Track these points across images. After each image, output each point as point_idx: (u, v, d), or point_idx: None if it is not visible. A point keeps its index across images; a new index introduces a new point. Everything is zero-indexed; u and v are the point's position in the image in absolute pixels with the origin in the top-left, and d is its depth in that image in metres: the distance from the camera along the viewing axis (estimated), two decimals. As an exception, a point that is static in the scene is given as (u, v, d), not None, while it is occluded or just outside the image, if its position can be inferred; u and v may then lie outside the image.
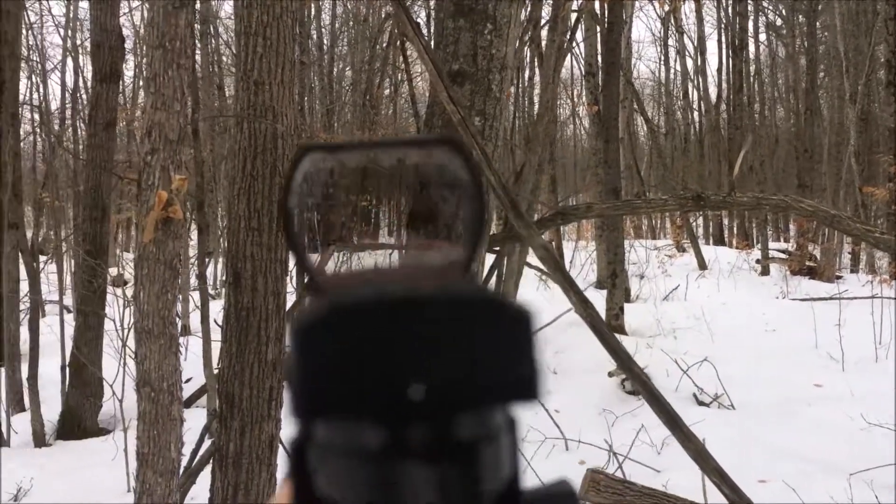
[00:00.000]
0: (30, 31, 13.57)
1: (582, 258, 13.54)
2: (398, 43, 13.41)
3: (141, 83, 17.67)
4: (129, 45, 12.32)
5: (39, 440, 6.69)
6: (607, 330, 2.25)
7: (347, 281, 0.29)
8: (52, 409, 6.98)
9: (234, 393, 3.34)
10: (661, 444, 5.17)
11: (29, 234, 11.23)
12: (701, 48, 22.20)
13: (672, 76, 24.47)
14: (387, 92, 16.67)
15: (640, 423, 5.33)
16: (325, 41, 17.26)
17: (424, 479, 0.26)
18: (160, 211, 1.98)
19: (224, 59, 16.14)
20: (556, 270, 2.13)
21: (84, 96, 15.85)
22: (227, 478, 3.35)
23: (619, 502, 3.58)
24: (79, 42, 15.78)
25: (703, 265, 13.78)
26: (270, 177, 3.19)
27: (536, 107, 11.90)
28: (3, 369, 7.50)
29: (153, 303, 2.10)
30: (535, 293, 10.22)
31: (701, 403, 6.23)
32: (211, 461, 3.45)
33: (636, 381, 1.85)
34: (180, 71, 1.87)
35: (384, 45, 14.59)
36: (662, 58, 24.78)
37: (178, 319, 2.23)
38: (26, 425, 6.66)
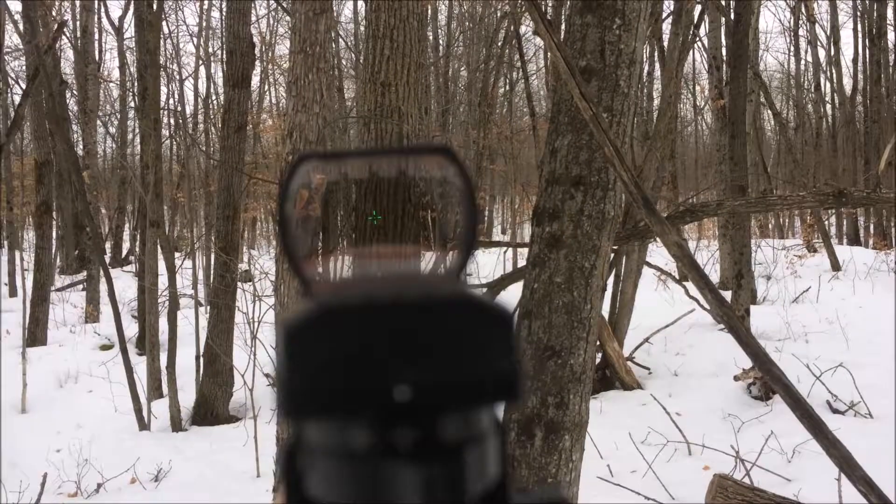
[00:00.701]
0: (167, 41, 14.43)
1: (702, 258, 13.10)
2: (514, 42, 13.40)
3: (266, 88, 18.44)
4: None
5: (176, 425, 7.11)
6: (745, 330, 2.18)
7: (339, 286, 0.29)
8: (187, 396, 7.40)
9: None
10: (791, 451, 4.94)
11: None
12: (835, 37, 20.96)
13: (803, 68, 23.25)
14: (501, 91, 16.70)
15: (769, 429, 5.11)
16: (442, 42, 17.47)
17: (410, 479, 0.26)
18: (301, 209, 2.07)
19: (343, 62, 16.63)
20: (692, 268, 2.08)
21: (215, 101, 16.73)
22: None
23: (747, 510, 3.45)
24: (210, 50, 16.65)
25: (836, 266, 13.03)
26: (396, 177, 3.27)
27: (656, 102, 11.61)
28: (144, 358, 8.02)
29: (293, 296, 2.20)
30: (654, 293, 9.97)
31: (835, 411, 5.90)
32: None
33: (776, 384, 1.78)
34: (320, 74, 1.96)
35: (499, 44, 14.61)
36: (792, 48, 23.57)
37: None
38: (165, 411, 7.09)
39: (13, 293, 13.82)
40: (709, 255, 13.19)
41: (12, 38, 15.84)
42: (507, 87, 16.65)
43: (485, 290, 4.27)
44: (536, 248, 2.71)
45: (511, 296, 6.34)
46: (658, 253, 12.38)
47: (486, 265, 13.11)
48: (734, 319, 1.96)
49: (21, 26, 10.94)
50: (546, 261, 2.66)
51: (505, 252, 13.31)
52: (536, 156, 13.04)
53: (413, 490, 0.26)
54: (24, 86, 15.44)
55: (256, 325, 7.45)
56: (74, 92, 14.99)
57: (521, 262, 13.08)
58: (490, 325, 0.28)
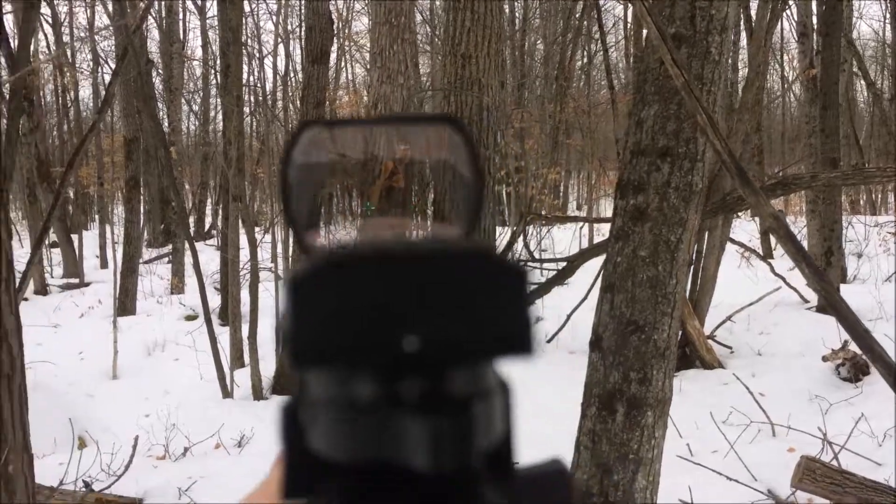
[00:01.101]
0: (248, 19, 14.70)
1: (789, 235, 12.60)
2: (593, 13, 13.11)
3: (343, 64, 18.61)
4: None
5: (258, 393, 7.32)
6: (845, 305, 2.08)
7: (347, 247, 0.29)
8: (268, 366, 7.60)
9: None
10: (882, 435, 4.74)
11: (247, 206, 12.16)
12: (936, 1, 19.74)
13: (899, 35, 22.00)
14: (579, 64, 16.40)
15: (859, 412, 4.92)
16: (518, 15, 17.25)
17: (416, 431, 0.26)
18: (385, 180, 2.09)
19: (417, 36, 16.61)
20: (788, 241, 2.00)
21: (293, 79, 16.98)
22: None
23: (836, 493, 3.33)
24: (290, 28, 16.88)
25: (932, 244, 12.38)
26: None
27: (741, 73, 11.19)
28: (227, 328, 8.27)
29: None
30: (736, 271, 9.69)
31: (931, 396, 5.64)
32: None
33: (877, 362, 1.70)
34: (405, 45, 1.95)
35: (577, 16, 14.32)
36: (888, 15, 22.33)
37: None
38: (246, 380, 7.30)
39: (104, 265, 14.46)
40: (796, 232, 12.73)
41: (102, 19, 16.43)
42: (585, 60, 16.34)
43: (563, 265, 4.22)
44: (620, 221, 2.65)
45: (586, 275, 6.24)
46: (741, 229, 12.01)
47: (562, 241, 12.97)
48: (833, 294, 1.87)
49: (110, 7, 11.32)
50: (630, 234, 2.61)
51: (581, 228, 13.14)
52: (615, 130, 12.79)
53: (419, 443, 0.26)
54: (113, 65, 16.01)
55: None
56: (160, 71, 15.45)
57: (598, 238, 12.88)
58: (503, 279, 0.27)
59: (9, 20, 11.35)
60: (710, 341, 7.07)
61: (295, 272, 0.26)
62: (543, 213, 10.22)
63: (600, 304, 2.75)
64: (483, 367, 0.27)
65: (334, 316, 0.25)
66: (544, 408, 6.97)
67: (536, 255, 10.08)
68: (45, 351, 7.41)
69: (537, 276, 10.21)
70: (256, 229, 12.15)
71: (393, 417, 0.26)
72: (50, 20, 16.38)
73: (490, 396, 0.27)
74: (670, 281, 2.60)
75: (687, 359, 6.86)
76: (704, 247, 7.09)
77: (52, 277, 13.61)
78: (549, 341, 9.14)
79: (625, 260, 2.63)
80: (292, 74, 16.60)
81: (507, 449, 0.28)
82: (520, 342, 0.27)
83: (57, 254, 14.60)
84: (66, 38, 16.89)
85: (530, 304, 0.27)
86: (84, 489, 4.63)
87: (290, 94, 17.29)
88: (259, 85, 15.09)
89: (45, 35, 16.81)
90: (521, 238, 8.11)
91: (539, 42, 17.18)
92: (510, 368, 0.29)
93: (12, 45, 8.56)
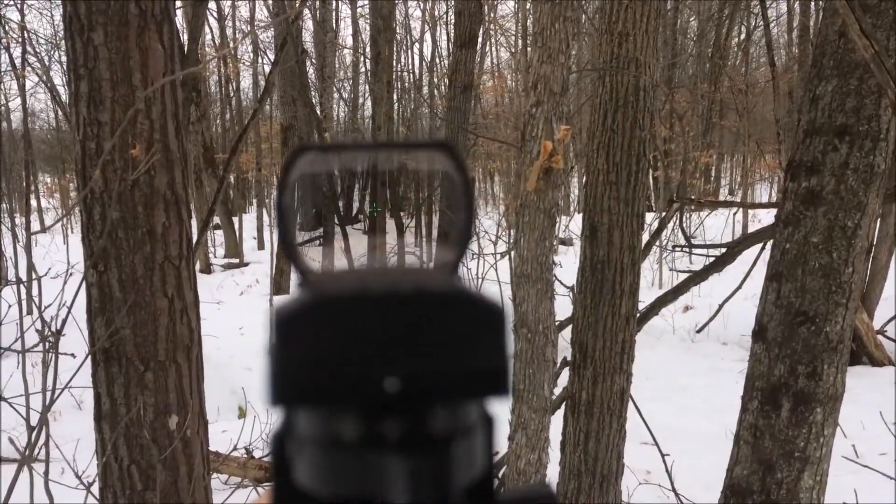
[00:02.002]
0: (396, 7, 15.00)
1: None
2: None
3: (487, 48, 18.64)
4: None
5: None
6: None
7: (335, 277, 0.29)
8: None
9: (588, 343, 3.42)
10: None
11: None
12: None
13: None
14: (735, 41, 15.58)
15: None
16: (669, -8, 16.58)
17: (398, 470, 0.26)
18: (544, 160, 2.07)
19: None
20: None
21: (439, 64, 17.20)
22: (579, 424, 3.46)
23: None
24: (436, 14, 17.08)
25: None
26: (630, 130, 3.16)
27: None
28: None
29: (532, 249, 2.21)
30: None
31: None
32: (563, 406, 3.58)
33: None
34: (566, 24, 1.92)
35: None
36: None
37: (554, 266, 2.33)
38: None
39: (261, 246, 15.32)
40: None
41: (262, 12, 17.30)
42: (743, 36, 15.49)
43: (722, 251, 4.04)
44: (790, 204, 2.49)
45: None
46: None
47: (713, 227, 12.43)
48: None
49: (270, 1, 11.88)
50: (801, 219, 2.45)
51: (735, 214, 12.52)
52: (774, 110, 12.06)
53: (399, 480, 0.26)
54: (271, 56, 16.83)
55: (480, 281, 7.65)
56: (313, 60, 16.10)
57: (753, 225, 12.22)
58: (481, 320, 0.27)
59: (178, 16, 12.19)
60: (879, 336, 6.56)
61: (280, 310, 0.27)
62: (693, 197, 9.83)
63: (765, 292, 2.61)
64: (465, 405, 0.28)
65: (317, 357, 0.26)
66: (697, 400, 6.73)
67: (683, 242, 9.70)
68: (209, 325, 7.94)
69: (688, 264, 9.84)
70: (401, 213, 12.45)
71: (375, 456, 0.26)
72: (215, 14, 17.45)
73: (471, 433, 0.28)
74: (846, 269, 2.42)
75: (853, 354, 6.40)
76: (876, 234, 6.57)
77: (215, 257, 14.57)
78: (699, 331, 8.81)
79: (794, 246, 2.47)
80: (438, 60, 16.81)
81: (488, 483, 0.29)
82: (496, 383, 0.27)
83: (219, 235, 15.61)
84: (228, 31, 17.94)
85: (507, 345, 0.28)
86: (245, 455, 4.94)
87: (436, 79, 17.54)
88: (408, 71, 15.41)
89: (211, 29, 17.92)
90: (671, 223, 7.84)
91: (693, 19, 16.47)
92: None
93: (183, 39, 9.17)
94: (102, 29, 2.01)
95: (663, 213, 7.49)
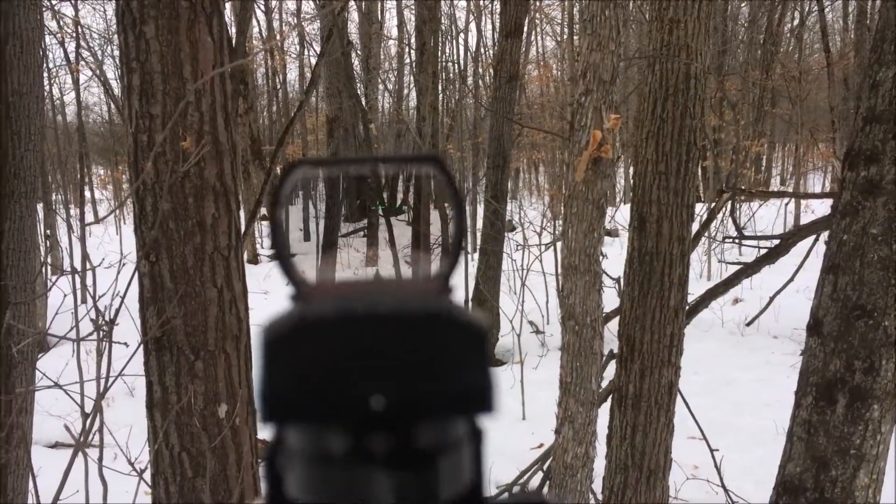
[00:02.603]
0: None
1: None
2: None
3: (532, 38, 18.50)
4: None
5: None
6: None
7: (328, 292, 0.30)
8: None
9: (635, 336, 3.37)
10: None
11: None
12: None
13: None
14: (788, 26, 15.19)
15: None
16: (719, -23, 16.22)
17: (385, 485, 0.27)
18: (593, 150, 2.04)
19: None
20: None
21: (484, 55, 17.12)
22: (626, 417, 3.42)
23: None
24: (482, 3, 17.00)
25: None
26: (681, 119, 3.09)
27: None
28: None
29: (580, 240, 2.18)
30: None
31: None
32: (609, 399, 3.55)
33: None
34: (617, 11, 1.88)
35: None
36: None
37: (601, 258, 2.30)
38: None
39: (307, 238, 15.51)
40: None
41: (308, 3, 17.42)
42: (796, 22, 15.09)
43: (776, 242, 3.94)
44: (848, 195, 2.41)
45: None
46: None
47: (764, 218, 12.17)
48: None
49: (315, -8, 11.93)
50: (859, 209, 2.37)
51: (786, 204, 12.24)
52: (829, 98, 11.73)
53: (387, 495, 0.27)
54: (317, 48, 16.96)
55: (525, 272, 7.61)
56: (358, 52, 16.16)
57: (805, 216, 11.90)
58: (464, 339, 0.28)
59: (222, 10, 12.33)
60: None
61: (268, 329, 0.28)
62: (744, 187, 9.63)
63: (820, 285, 2.53)
64: (450, 421, 0.28)
65: (304, 375, 0.27)
66: (746, 395, 6.62)
67: (733, 233, 9.51)
68: (257, 315, 8.07)
69: (738, 255, 9.66)
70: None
71: (363, 471, 0.27)
72: (262, 8, 17.63)
73: (457, 448, 0.28)
74: (906, 262, 2.33)
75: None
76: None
77: (262, 248, 14.79)
78: (749, 324, 8.64)
79: (852, 238, 2.39)
80: (483, 50, 16.74)
81: (477, 495, 0.29)
82: (481, 400, 0.28)
83: (266, 226, 15.82)
84: (275, 24, 18.11)
85: (490, 363, 0.28)
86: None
87: (481, 70, 17.47)
88: (452, 61, 15.38)
89: (258, 21, 18.11)
90: (720, 214, 7.69)
91: (744, 4, 16.10)
92: None
93: (231, 32, 9.29)
94: (154, 22, 2.04)
95: (713, 204, 7.36)
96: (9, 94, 3.08)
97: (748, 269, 4.02)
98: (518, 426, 6.30)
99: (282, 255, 0.32)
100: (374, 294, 0.29)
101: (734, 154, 12.00)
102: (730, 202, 5.61)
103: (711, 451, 4.05)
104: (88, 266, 2.23)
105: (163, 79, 2.08)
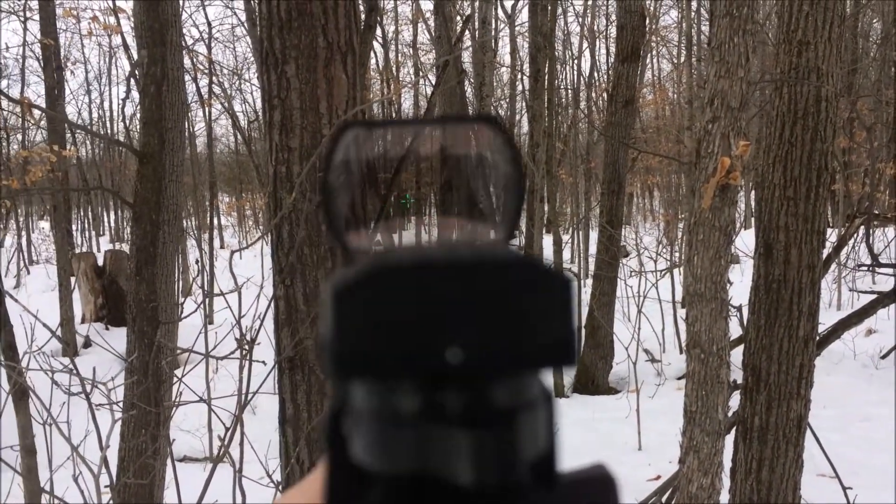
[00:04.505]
0: (556, 22, 15.03)
1: None
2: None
3: (648, 61, 18.25)
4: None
5: (559, 391, 7.47)
6: None
7: (394, 251, 0.27)
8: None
9: (761, 366, 3.26)
10: None
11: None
12: None
13: None
14: (925, 42, 14.28)
15: None
16: (847, -7, 15.50)
17: (460, 444, 0.25)
18: (721, 177, 2.02)
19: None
20: None
21: (597, 78, 17.02)
22: (751, 451, 3.30)
23: None
24: (596, 28, 16.94)
25: None
26: (811, 143, 3.00)
27: None
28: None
29: (706, 267, 2.16)
30: None
31: None
32: (734, 431, 3.43)
33: None
34: (746, 37, 1.87)
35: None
36: None
37: (728, 285, 2.25)
38: (550, 377, 7.49)
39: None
40: None
41: (423, 34, 17.88)
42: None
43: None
44: None
45: None
46: None
47: None
48: None
49: (432, 24, 12.27)
50: None
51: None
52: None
53: (462, 456, 0.25)
54: (431, 77, 17.36)
55: (642, 299, 7.47)
56: (471, 80, 16.42)
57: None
58: (547, 289, 0.26)
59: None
60: None
61: (336, 281, 0.26)
62: (878, 212, 9.11)
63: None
64: (527, 379, 0.27)
65: (376, 326, 0.25)
66: (882, 432, 6.22)
67: (864, 260, 9.00)
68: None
69: (871, 284, 9.11)
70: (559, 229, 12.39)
71: (436, 430, 0.25)
72: (380, 40, 18.23)
73: (534, 408, 0.26)
74: None
75: None
76: None
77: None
78: (884, 357, 8.12)
79: None
80: (597, 74, 16.65)
81: (550, 460, 0.27)
82: (564, 353, 0.26)
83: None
84: (391, 54, 18.68)
85: (573, 315, 0.26)
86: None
87: (594, 94, 17.36)
88: (565, 87, 15.38)
89: (375, 53, 18.75)
90: (851, 240, 7.31)
91: (876, 20, 15.31)
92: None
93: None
94: (294, 62, 2.18)
95: (843, 229, 7.00)
96: (164, 129, 3.35)
97: (885, 299, 3.81)
98: (634, 456, 6.16)
99: (334, 223, 0.30)
100: (447, 247, 0.27)
101: (866, 177, 11.38)
102: (863, 227, 5.34)
103: (844, 489, 3.84)
104: (234, 288, 2.39)
105: (301, 114, 2.22)
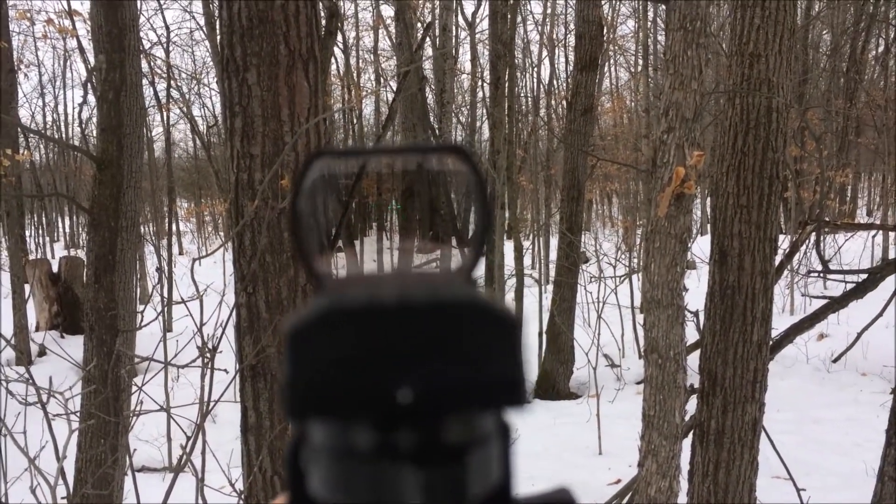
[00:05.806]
0: (515, 30, 15.15)
1: None
2: (891, -4, 11.73)
3: (606, 69, 18.49)
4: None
5: (523, 396, 7.51)
6: None
7: (348, 283, 0.29)
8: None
9: (717, 371, 3.33)
10: None
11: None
12: None
13: None
14: (873, 53, 14.76)
15: None
16: (801, 5, 15.92)
17: (412, 481, 0.26)
18: (676, 186, 2.07)
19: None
20: None
21: (557, 86, 17.20)
22: (708, 454, 3.37)
23: None
24: (555, 37, 17.13)
25: None
26: (763, 153, 3.08)
27: None
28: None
29: (663, 274, 2.21)
30: None
31: None
32: (691, 435, 3.50)
33: None
34: (699, 51, 1.93)
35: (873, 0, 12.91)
36: None
37: (684, 292, 2.31)
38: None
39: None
40: None
41: (384, 41, 17.88)
42: (881, 49, 14.65)
43: (863, 276, 3.84)
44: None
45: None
46: None
47: (849, 251, 11.77)
48: None
49: (392, 31, 12.30)
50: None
51: (874, 236, 11.81)
52: (917, 126, 11.31)
53: (414, 492, 0.26)
54: (393, 84, 17.37)
55: (601, 305, 7.57)
56: (432, 86, 16.48)
57: (893, 249, 11.44)
58: (495, 329, 0.27)
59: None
60: None
61: (293, 321, 0.26)
62: (829, 219, 9.36)
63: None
64: (479, 416, 0.27)
65: (329, 367, 0.26)
66: (834, 434, 6.38)
67: (816, 266, 9.23)
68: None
69: (822, 289, 9.35)
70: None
71: (389, 467, 0.26)
72: (341, 45, 18.19)
73: (486, 443, 0.27)
74: None
75: None
76: None
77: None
78: (835, 361, 8.34)
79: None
80: (556, 82, 16.83)
81: (505, 492, 0.28)
82: (512, 394, 0.27)
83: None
84: (352, 61, 18.64)
85: (522, 355, 0.27)
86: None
87: (554, 101, 17.54)
88: (525, 95, 15.50)
89: (336, 59, 18.69)
90: (803, 247, 7.50)
91: (825, 32, 15.75)
92: None
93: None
94: (256, 69, 2.18)
95: (795, 236, 7.19)
96: (122, 135, 3.31)
97: (835, 304, 3.92)
98: (594, 460, 6.23)
99: (302, 248, 0.31)
100: (401, 284, 0.28)
101: (817, 185, 11.69)
102: (814, 234, 5.48)
103: (798, 491, 3.94)
104: (194, 296, 2.37)
105: (263, 121, 2.22)
